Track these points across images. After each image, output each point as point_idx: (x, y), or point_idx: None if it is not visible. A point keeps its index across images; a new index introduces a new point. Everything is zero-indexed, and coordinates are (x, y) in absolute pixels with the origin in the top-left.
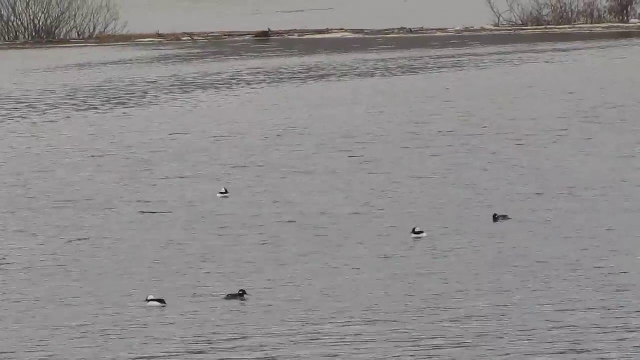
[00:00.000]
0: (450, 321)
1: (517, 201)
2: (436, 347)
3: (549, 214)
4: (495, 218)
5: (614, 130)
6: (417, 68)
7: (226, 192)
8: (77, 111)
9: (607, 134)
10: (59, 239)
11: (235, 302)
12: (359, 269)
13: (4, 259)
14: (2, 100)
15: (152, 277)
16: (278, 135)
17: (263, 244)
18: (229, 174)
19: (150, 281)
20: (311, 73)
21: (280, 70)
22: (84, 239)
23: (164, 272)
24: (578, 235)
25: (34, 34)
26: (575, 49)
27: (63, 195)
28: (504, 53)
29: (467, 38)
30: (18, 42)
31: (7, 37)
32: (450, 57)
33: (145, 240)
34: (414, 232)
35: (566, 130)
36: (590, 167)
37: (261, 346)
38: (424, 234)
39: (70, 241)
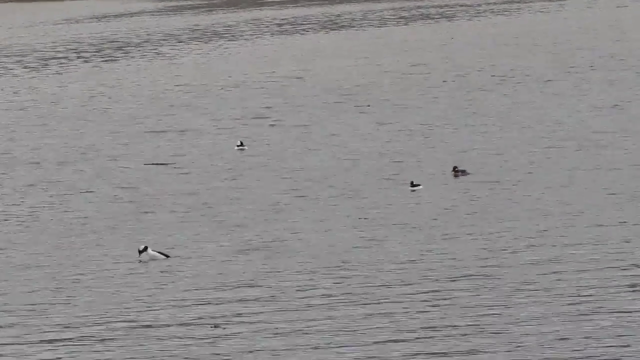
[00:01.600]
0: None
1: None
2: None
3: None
4: (456, 172)
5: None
6: (429, 17)
7: (242, 144)
8: (83, 63)
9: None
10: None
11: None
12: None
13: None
14: (10, 53)
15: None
16: (283, 86)
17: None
18: (244, 125)
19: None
20: (314, 23)
21: (282, 21)
22: (89, 191)
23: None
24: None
25: None
26: None
27: (65, 149)
28: (500, 2)
29: None
30: None
31: None
32: (463, 6)
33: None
34: (411, 184)
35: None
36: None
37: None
38: (420, 186)
39: (74, 193)
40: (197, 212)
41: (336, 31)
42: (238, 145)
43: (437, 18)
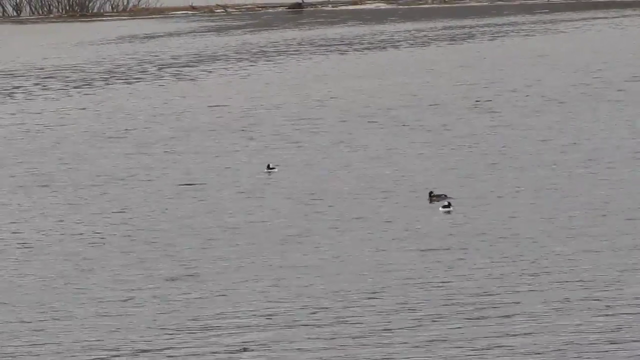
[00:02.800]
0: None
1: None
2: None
3: None
4: (431, 197)
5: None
6: (451, 38)
7: (270, 167)
8: (113, 84)
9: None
10: (99, 214)
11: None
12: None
13: (49, 233)
14: (39, 74)
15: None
16: (318, 106)
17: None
18: (272, 147)
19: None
20: (346, 44)
21: (314, 41)
22: (123, 212)
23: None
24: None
25: (67, 8)
26: (614, 17)
27: (102, 169)
28: (540, 22)
29: (502, 7)
30: (52, 15)
31: (40, 10)
32: (486, 27)
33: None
34: (431, 196)
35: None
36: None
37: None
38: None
39: (110, 215)
40: (224, 233)
41: (362, 52)
42: (268, 168)
43: (463, 38)
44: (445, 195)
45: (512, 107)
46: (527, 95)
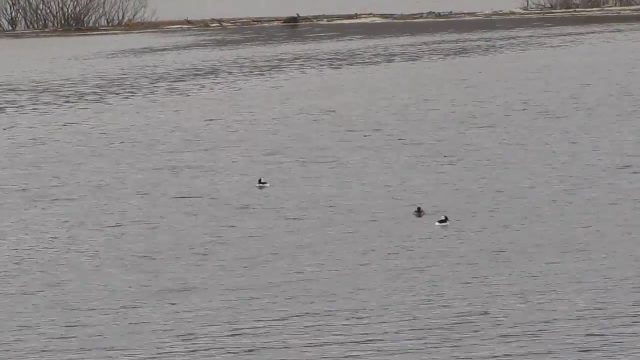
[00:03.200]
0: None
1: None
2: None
3: None
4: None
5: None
6: (446, 52)
7: (262, 182)
8: (108, 99)
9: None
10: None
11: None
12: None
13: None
14: (34, 88)
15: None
16: (314, 121)
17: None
18: (265, 162)
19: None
20: (341, 58)
21: (309, 55)
22: (122, 225)
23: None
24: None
25: (62, 22)
26: (603, 31)
27: (95, 183)
28: (535, 36)
29: (496, 22)
30: (47, 29)
31: (35, 24)
32: (480, 41)
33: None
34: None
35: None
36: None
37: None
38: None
39: (110, 226)
40: (217, 247)
41: (366, 66)
42: (259, 182)
43: (458, 52)
44: (420, 210)
45: (508, 122)
46: (524, 110)
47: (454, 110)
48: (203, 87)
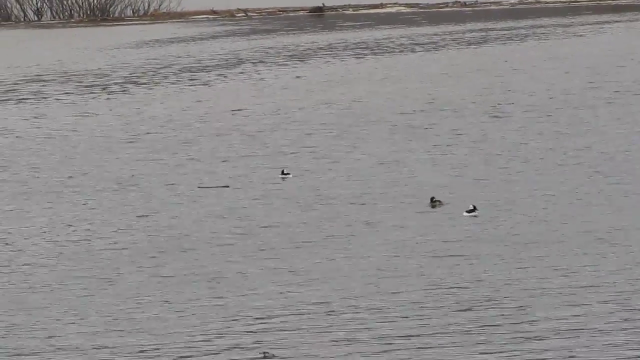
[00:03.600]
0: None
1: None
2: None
3: None
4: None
5: None
6: (470, 41)
7: (285, 173)
8: (135, 88)
9: None
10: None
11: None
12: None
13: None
14: (62, 78)
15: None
16: (336, 111)
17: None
18: (287, 152)
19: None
20: (365, 48)
21: (335, 45)
22: (144, 215)
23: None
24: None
25: (88, 12)
26: (631, 20)
27: (122, 173)
28: (563, 25)
29: (522, 11)
30: (73, 20)
31: (61, 15)
32: (506, 30)
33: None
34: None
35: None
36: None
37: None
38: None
39: (134, 217)
40: (238, 237)
41: (379, 56)
42: (282, 173)
43: (483, 41)
44: (440, 202)
45: (529, 111)
46: (551, 98)
47: (479, 100)
48: (231, 77)
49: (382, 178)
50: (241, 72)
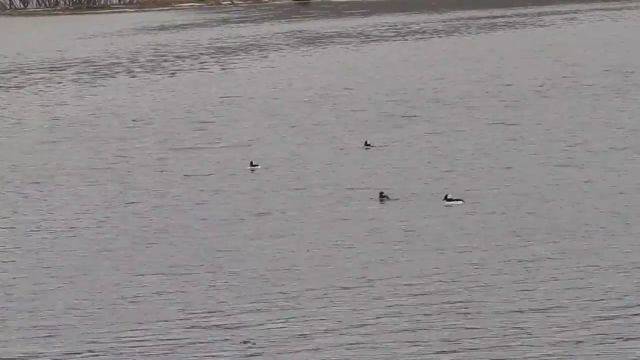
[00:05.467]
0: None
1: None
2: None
3: None
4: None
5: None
6: (458, 29)
7: (253, 164)
8: (120, 76)
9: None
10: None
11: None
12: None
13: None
14: (51, 65)
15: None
16: (323, 96)
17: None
18: (282, 136)
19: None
20: (353, 35)
21: (321, 33)
22: (132, 202)
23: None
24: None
25: (74, 0)
26: (614, 9)
27: (110, 161)
28: (547, 13)
29: None
30: (58, 7)
31: (47, 2)
32: (495, 18)
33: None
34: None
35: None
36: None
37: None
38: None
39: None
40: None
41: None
42: (251, 165)
43: (470, 30)
44: (387, 197)
45: (532, 94)
46: (550, 83)
47: (466, 87)
48: (221, 64)
49: (346, 171)
50: (230, 60)
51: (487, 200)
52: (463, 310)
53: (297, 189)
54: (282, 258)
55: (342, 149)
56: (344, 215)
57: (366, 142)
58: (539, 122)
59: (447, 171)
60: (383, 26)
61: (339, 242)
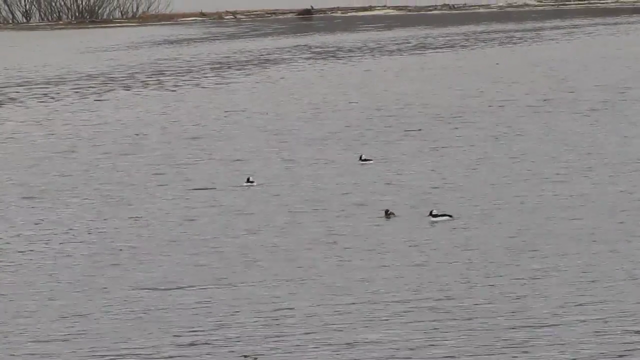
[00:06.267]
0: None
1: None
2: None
3: None
4: (387, 214)
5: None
6: (459, 43)
7: (250, 180)
8: (123, 90)
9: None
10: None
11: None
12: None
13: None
14: (52, 80)
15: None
16: (316, 110)
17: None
18: (255, 159)
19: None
20: (356, 50)
21: (324, 47)
22: (135, 217)
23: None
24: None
25: (77, 14)
26: (620, 23)
27: (118, 175)
28: (550, 28)
29: (510, 14)
30: (61, 22)
31: (50, 17)
32: (495, 32)
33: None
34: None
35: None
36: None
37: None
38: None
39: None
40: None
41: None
42: (247, 181)
43: (473, 44)
44: (393, 214)
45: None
46: (545, 100)
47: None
48: (222, 78)
49: (339, 185)
50: (232, 75)
51: (477, 216)
52: (455, 325)
53: (290, 205)
54: (280, 273)
55: (342, 164)
56: (340, 231)
57: (361, 157)
58: (537, 137)
59: (435, 187)
60: (385, 40)
61: (337, 258)
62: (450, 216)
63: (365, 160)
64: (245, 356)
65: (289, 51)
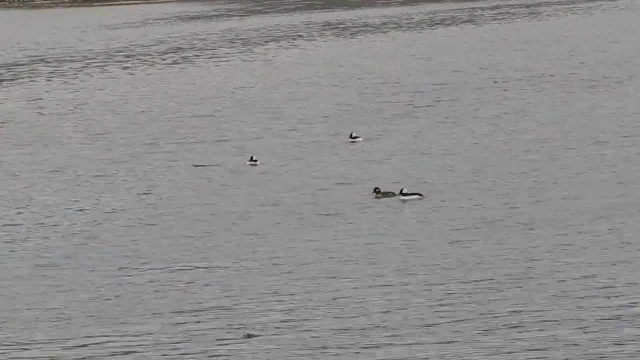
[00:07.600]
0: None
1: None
2: None
3: None
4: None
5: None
6: (459, 20)
7: (253, 159)
8: (128, 68)
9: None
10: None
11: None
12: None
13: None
14: (60, 57)
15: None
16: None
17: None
18: (293, 129)
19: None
20: (356, 26)
21: (326, 24)
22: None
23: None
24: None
25: None
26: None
27: (118, 151)
28: (545, 4)
29: None
30: (66, 0)
31: None
32: (496, 9)
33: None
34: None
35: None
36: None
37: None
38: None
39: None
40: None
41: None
42: (251, 160)
43: (467, 21)
44: (393, 193)
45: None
46: (551, 75)
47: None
48: (227, 55)
49: (340, 168)
50: (237, 51)
51: (448, 194)
52: (438, 307)
53: (293, 184)
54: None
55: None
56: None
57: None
58: (529, 114)
59: (420, 166)
60: (386, 17)
61: (336, 236)
62: (420, 195)
63: (354, 137)
64: (247, 335)
65: (292, 28)
